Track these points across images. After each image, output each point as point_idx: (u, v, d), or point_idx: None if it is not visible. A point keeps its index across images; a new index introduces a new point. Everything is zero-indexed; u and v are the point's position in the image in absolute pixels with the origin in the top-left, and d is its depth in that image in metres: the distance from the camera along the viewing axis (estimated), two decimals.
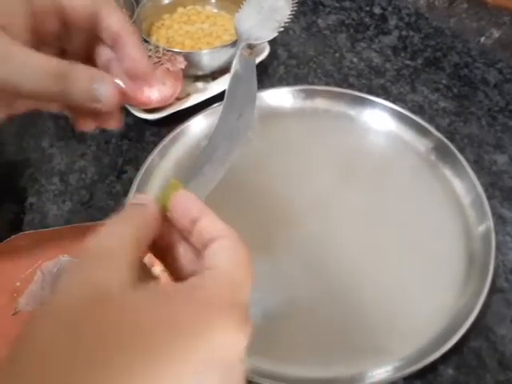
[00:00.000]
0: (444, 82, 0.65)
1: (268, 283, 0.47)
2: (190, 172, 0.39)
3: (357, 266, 0.48)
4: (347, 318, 0.45)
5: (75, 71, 0.30)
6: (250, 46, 0.39)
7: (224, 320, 0.22)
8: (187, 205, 0.27)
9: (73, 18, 0.32)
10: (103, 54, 0.34)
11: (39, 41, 0.32)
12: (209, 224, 0.26)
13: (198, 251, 0.26)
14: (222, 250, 0.25)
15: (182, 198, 0.27)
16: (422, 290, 0.47)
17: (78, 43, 0.34)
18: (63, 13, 0.31)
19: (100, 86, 0.30)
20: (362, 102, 0.59)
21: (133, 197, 0.28)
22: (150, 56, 0.56)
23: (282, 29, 0.41)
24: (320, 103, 0.61)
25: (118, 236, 0.24)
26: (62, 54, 0.34)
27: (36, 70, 0.28)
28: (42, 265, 0.41)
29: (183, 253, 0.27)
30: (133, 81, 0.33)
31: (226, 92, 0.40)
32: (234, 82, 0.39)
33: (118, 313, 0.20)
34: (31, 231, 0.45)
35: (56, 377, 0.18)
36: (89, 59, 0.34)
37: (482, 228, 0.48)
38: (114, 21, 0.31)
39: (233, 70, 0.39)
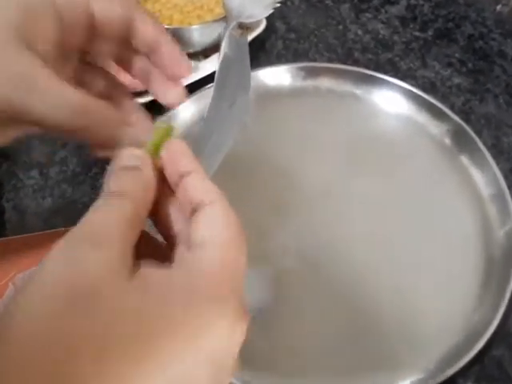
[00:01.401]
0: (457, 55, 0.60)
1: (265, 283, 0.43)
2: None
3: (365, 265, 0.44)
4: (357, 325, 0.41)
5: (102, 113, 0.27)
6: (242, 26, 0.34)
7: (216, 314, 0.20)
8: (179, 156, 0.25)
9: (104, 29, 0.29)
10: (137, 62, 0.32)
11: (64, 56, 0.28)
12: (197, 182, 0.24)
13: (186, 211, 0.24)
14: (211, 221, 0.23)
15: (174, 147, 0.25)
16: (438, 294, 0.42)
17: (105, 53, 0.31)
18: (94, 24, 0.28)
19: (125, 133, 0.28)
20: (369, 81, 0.54)
21: (122, 152, 0.25)
22: None
23: (278, 4, 0.36)
24: (323, 82, 0.55)
25: (115, 215, 0.22)
26: (85, 64, 0.31)
27: (61, 103, 0.26)
28: (14, 277, 0.37)
29: (173, 210, 0.25)
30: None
31: (216, 78, 0.35)
32: (223, 67, 0.34)
33: (107, 311, 0.19)
34: (3, 238, 0.40)
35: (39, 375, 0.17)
36: (117, 67, 0.33)
37: (504, 229, 0.43)
38: (150, 30, 0.29)
39: (222, 52, 0.34)
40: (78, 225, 0.22)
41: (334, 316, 0.41)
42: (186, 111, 0.53)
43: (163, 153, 0.25)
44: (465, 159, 0.49)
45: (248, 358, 0.40)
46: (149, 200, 0.24)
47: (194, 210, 0.23)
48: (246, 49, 0.34)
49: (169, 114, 0.52)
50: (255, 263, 0.44)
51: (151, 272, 0.21)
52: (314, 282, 0.43)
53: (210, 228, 0.23)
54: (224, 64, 0.34)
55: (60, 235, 0.40)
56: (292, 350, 0.40)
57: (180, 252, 0.23)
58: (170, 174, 0.25)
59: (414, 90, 0.52)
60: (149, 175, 0.24)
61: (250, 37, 0.53)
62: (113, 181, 0.23)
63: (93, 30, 0.29)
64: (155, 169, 0.25)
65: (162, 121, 0.51)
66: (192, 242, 0.23)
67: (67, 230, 0.39)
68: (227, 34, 0.33)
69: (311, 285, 0.43)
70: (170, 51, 0.30)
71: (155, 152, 0.26)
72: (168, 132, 0.26)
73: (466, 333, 0.40)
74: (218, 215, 0.23)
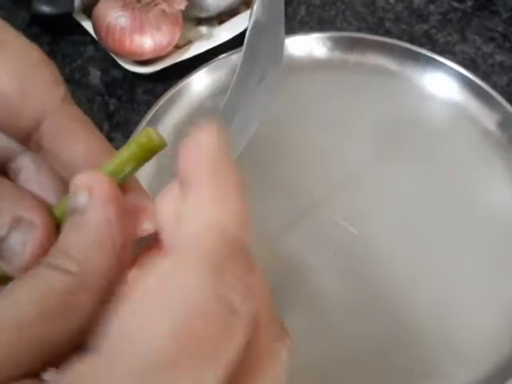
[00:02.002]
0: (500, 29, 0.54)
1: (283, 287, 0.38)
2: None
3: (399, 266, 0.39)
4: (390, 334, 0.36)
5: None
6: None
7: None
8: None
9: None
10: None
11: None
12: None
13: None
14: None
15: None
16: (482, 302, 0.38)
17: None
18: None
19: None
20: (404, 54, 0.48)
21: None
22: None
23: None
24: (351, 54, 0.49)
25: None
26: None
27: None
28: None
29: None
30: None
31: (244, 47, 0.29)
32: (254, 34, 0.29)
33: None
34: None
35: None
36: None
37: None
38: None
39: (253, 16, 0.28)
40: None
41: (365, 327, 0.36)
42: (198, 84, 0.47)
43: None
44: None
45: None
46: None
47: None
48: (282, 14, 0.28)
49: (179, 86, 0.47)
50: (273, 258, 0.40)
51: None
52: (340, 286, 0.38)
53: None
54: (254, 30, 0.29)
55: None
56: (318, 364, 0.35)
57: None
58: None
59: (458, 68, 0.46)
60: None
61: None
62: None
63: None
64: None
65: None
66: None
67: None
68: None
69: (336, 288, 0.38)
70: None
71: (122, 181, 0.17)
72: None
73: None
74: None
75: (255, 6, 0.28)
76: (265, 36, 0.29)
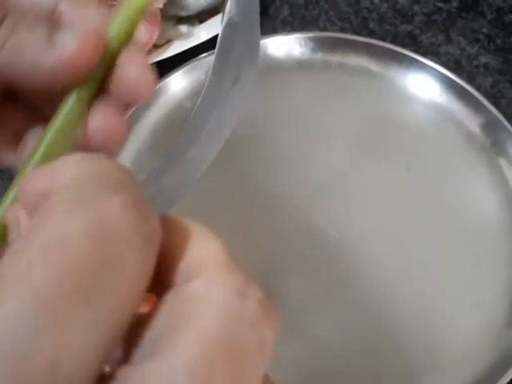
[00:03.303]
0: (485, 30, 0.53)
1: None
2: (169, 157, 0.29)
3: (381, 270, 0.38)
4: (372, 341, 0.36)
5: None
6: None
7: None
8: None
9: None
10: None
11: None
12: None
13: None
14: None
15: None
16: (465, 309, 0.37)
17: None
18: None
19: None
20: (388, 56, 0.47)
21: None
22: None
23: None
24: (334, 55, 0.49)
25: None
26: None
27: None
28: None
29: None
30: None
31: (218, 47, 0.28)
32: (228, 33, 0.28)
33: None
34: None
35: None
36: None
37: None
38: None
39: (226, 14, 0.27)
40: None
41: (347, 334, 0.36)
42: (177, 84, 0.47)
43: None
44: (501, 159, 0.42)
45: None
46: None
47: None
48: (257, 12, 0.27)
49: (157, 86, 0.45)
50: (254, 262, 0.39)
51: None
52: (322, 291, 0.37)
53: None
54: (228, 30, 0.27)
55: None
56: (302, 370, 0.35)
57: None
58: None
59: (442, 69, 0.45)
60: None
61: None
62: None
63: None
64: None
65: None
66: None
67: None
68: None
69: (318, 294, 0.37)
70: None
71: (123, 40, 0.19)
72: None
73: (496, 356, 0.35)
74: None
75: (228, 5, 0.27)
76: (239, 36, 0.28)
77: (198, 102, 0.29)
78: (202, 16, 0.51)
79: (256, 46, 0.29)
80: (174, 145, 0.29)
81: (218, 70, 0.28)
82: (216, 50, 0.28)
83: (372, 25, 0.53)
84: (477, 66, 0.50)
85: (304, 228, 0.40)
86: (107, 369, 0.12)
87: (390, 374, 0.35)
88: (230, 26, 0.27)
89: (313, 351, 0.35)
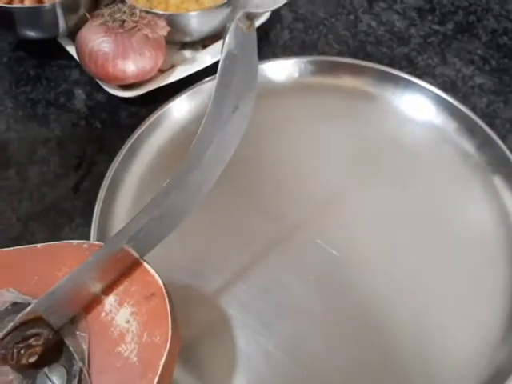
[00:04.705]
0: (479, 52, 0.55)
1: (263, 310, 0.38)
2: (172, 181, 0.31)
3: (379, 288, 0.39)
4: (369, 357, 0.37)
5: None
6: (250, 16, 0.28)
7: None
8: None
9: None
10: None
11: None
12: None
13: None
14: None
15: None
16: (461, 323, 0.38)
17: None
18: None
19: None
20: (385, 78, 0.49)
21: None
22: (123, 20, 0.45)
23: None
24: (332, 78, 0.50)
25: None
26: None
27: None
28: None
29: None
30: None
31: (218, 77, 0.30)
32: (227, 65, 0.29)
33: None
34: None
35: None
36: None
37: None
38: None
39: (225, 48, 0.29)
40: None
41: (341, 350, 0.37)
42: (181, 107, 0.48)
43: None
44: (492, 172, 0.44)
45: None
46: None
47: None
48: (254, 44, 0.29)
49: (162, 110, 0.47)
50: (253, 280, 0.40)
51: None
52: (320, 308, 0.38)
53: None
54: (227, 61, 0.29)
55: (32, 253, 0.35)
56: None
57: None
58: None
59: (437, 91, 0.47)
60: None
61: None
62: None
63: None
64: None
65: None
66: None
67: (44, 247, 0.35)
68: (232, 25, 0.28)
69: (316, 311, 0.38)
70: None
71: None
72: None
73: (492, 367, 0.36)
74: None
75: (227, 38, 0.28)
76: (238, 66, 0.29)
77: (200, 129, 0.30)
78: (205, 42, 0.53)
79: (254, 76, 0.30)
80: (178, 168, 0.31)
81: (219, 98, 0.30)
82: (216, 81, 0.29)
83: (369, 48, 0.55)
84: (472, 87, 0.52)
85: (302, 245, 0.41)
86: None
87: None
88: (229, 58, 0.29)
89: (307, 365, 0.36)
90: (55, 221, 0.43)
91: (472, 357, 0.36)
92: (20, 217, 0.43)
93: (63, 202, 0.44)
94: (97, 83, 0.49)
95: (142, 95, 0.49)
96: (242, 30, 0.28)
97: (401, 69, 0.51)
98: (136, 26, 0.46)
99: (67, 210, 0.44)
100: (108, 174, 0.44)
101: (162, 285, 0.30)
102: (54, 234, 0.42)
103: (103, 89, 0.49)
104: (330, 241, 0.41)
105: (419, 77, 0.49)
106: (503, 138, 0.46)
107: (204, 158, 0.30)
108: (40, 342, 0.28)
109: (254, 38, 0.29)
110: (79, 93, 0.51)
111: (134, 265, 0.31)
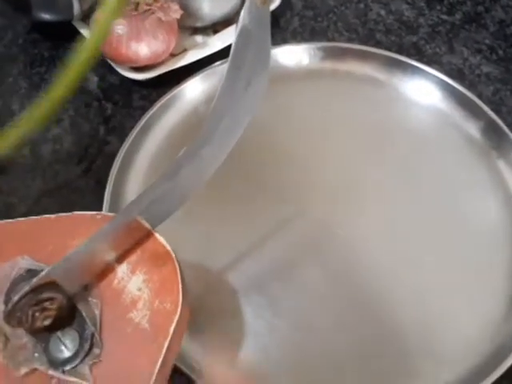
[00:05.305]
0: (487, 42, 0.55)
1: (268, 288, 0.39)
2: (184, 155, 0.31)
3: (383, 268, 0.40)
4: (372, 335, 0.37)
5: None
6: None
7: None
8: None
9: None
10: None
11: None
12: None
13: None
14: None
15: None
16: (465, 302, 0.39)
17: None
18: None
19: None
20: (394, 65, 0.49)
21: None
22: (137, 3, 0.46)
23: None
24: (341, 64, 0.51)
25: None
26: None
27: None
28: None
29: None
30: None
31: (232, 53, 0.30)
32: (241, 40, 0.30)
33: None
34: None
35: None
36: None
37: None
38: None
39: (240, 23, 0.29)
40: None
41: (347, 327, 0.37)
42: (194, 90, 0.49)
43: None
44: (501, 163, 0.44)
45: (247, 374, 0.37)
46: None
47: None
48: (268, 21, 0.30)
49: (174, 91, 0.48)
50: (259, 259, 0.41)
51: None
52: (325, 287, 0.39)
53: None
54: (242, 36, 0.30)
55: (45, 223, 0.36)
56: (299, 365, 0.36)
57: None
58: None
59: (444, 77, 0.47)
60: None
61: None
62: None
63: None
64: None
65: None
66: None
67: (58, 217, 0.36)
68: (248, 1, 0.29)
69: (321, 289, 0.39)
70: None
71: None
72: None
73: (495, 345, 0.36)
74: None
75: (242, 13, 0.29)
76: (251, 43, 0.30)
77: (213, 105, 0.31)
78: (216, 27, 0.53)
79: (267, 53, 0.31)
80: (191, 143, 0.32)
81: (232, 74, 0.31)
82: (230, 57, 0.30)
83: (378, 35, 0.55)
84: (479, 75, 0.52)
85: (309, 225, 0.42)
86: None
87: (388, 367, 0.36)
88: (243, 34, 0.30)
89: (312, 339, 0.37)
90: (68, 198, 0.44)
91: (475, 334, 0.37)
92: (33, 193, 0.44)
93: (75, 181, 0.45)
94: (110, 65, 0.50)
95: (154, 78, 0.50)
96: (257, 6, 0.29)
97: (409, 56, 0.51)
98: (150, 9, 0.47)
99: (80, 187, 0.45)
100: (119, 153, 0.44)
101: (173, 255, 0.31)
102: (66, 210, 0.43)
103: (116, 71, 0.50)
104: (337, 221, 0.42)
105: (427, 64, 0.50)
106: (509, 126, 0.46)
107: (216, 133, 0.31)
108: (54, 306, 0.29)
109: (267, 13, 0.30)
110: (92, 75, 0.52)
111: (146, 235, 0.32)
